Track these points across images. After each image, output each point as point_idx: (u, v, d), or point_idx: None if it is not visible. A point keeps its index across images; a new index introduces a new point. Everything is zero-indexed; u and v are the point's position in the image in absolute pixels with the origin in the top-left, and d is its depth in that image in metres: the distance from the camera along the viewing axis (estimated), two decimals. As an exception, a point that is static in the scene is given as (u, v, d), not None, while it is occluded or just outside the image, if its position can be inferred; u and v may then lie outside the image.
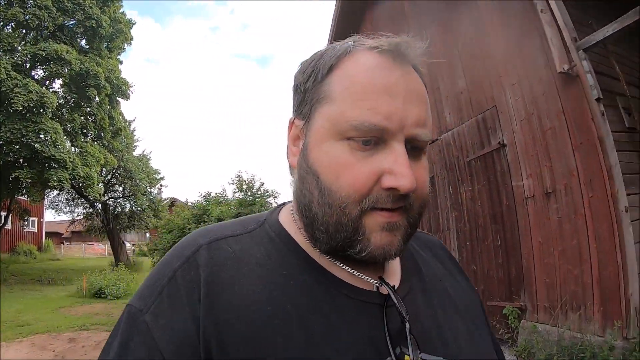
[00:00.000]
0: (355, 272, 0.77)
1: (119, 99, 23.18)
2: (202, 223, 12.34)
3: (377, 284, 0.78)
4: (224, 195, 14.58)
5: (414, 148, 0.72)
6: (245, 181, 14.33)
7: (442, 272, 0.98)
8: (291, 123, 0.82)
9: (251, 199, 13.71)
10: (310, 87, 0.76)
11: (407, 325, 0.72)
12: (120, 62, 23.48)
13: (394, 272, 0.87)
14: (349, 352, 0.68)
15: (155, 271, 0.74)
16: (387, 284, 0.77)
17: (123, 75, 23.01)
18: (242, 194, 14.12)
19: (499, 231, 6.34)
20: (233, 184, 14.45)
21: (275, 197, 14.59)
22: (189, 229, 12.31)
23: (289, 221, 0.83)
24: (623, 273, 4.46)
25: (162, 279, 0.70)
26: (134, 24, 23.93)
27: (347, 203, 0.69)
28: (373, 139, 0.69)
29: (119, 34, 22.35)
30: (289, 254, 0.78)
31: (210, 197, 14.37)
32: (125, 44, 23.67)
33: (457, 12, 7.30)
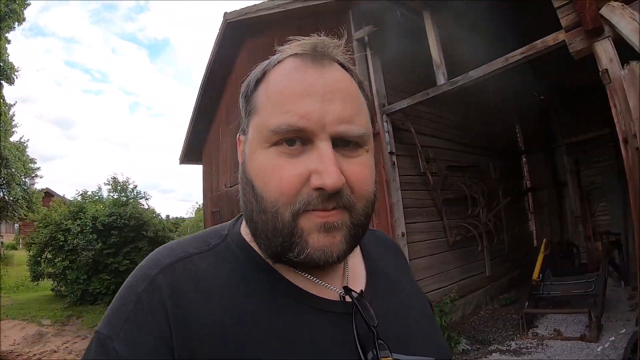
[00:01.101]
0: (319, 281, 0.78)
1: (3, 82, 22.30)
2: (78, 220, 12.79)
3: (342, 294, 0.78)
4: (99, 194, 15.00)
5: (347, 145, 0.71)
6: (120, 182, 14.80)
7: (400, 274, 0.99)
8: (238, 140, 0.84)
9: (125, 199, 14.21)
10: (243, 103, 0.79)
11: (375, 331, 0.73)
12: (8, 42, 22.50)
13: (358, 274, 0.88)
14: None
15: (120, 295, 0.72)
16: (352, 295, 0.78)
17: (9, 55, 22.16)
18: (117, 194, 14.54)
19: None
20: (109, 184, 14.88)
21: (147, 199, 15.28)
22: (66, 224, 12.68)
23: (247, 232, 0.81)
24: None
25: (128, 304, 0.69)
26: (29, 4, 23.04)
27: (277, 207, 0.68)
28: (299, 140, 0.69)
29: (11, 14, 21.20)
30: (253, 269, 0.77)
31: (87, 195, 14.71)
32: (16, 24, 22.75)
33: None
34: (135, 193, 14.92)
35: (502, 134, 10.80)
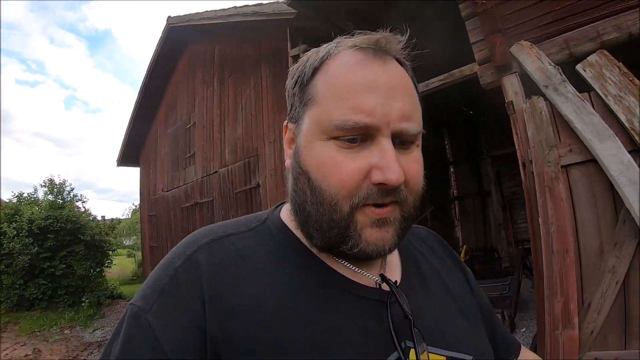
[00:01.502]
0: (357, 269, 0.79)
1: None
2: (13, 222, 12.38)
3: (378, 282, 0.79)
4: (35, 196, 14.55)
5: (403, 142, 0.72)
6: (57, 185, 14.46)
7: (440, 266, 0.99)
8: (285, 127, 0.83)
9: (61, 202, 13.92)
10: (297, 91, 0.78)
11: (412, 320, 0.74)
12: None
13: (395, 267, 0.89)
14: (354, 348, 0.69)
15: (157, 270, 0.74)
16: (389, 281, 0.79)
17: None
18: (53, 196, 14.20)
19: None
20: (45, 186, 14.48)
21: (83, 202, 15.02)
22: (1, 228, 12.23)
23: (289, 219, 0.83)
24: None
25: (163, 278, 0.70)
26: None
27: (337, 200, 0.69)
28: (359, 137, 0.69)
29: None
30: (292, 251, 0.78)
31: (23, 197, 14.29)
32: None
33: (245, 72, 8.97)
34: (72, 196, 14.65)
35: (431, 146, 11.43)
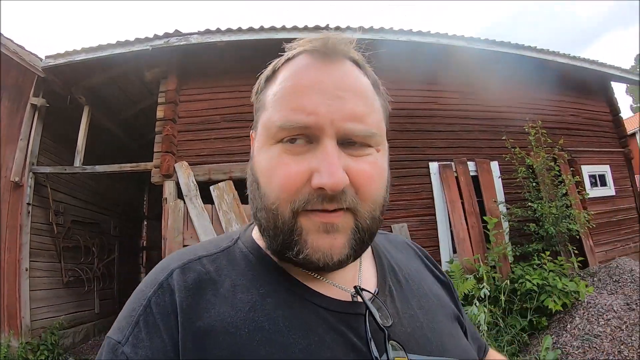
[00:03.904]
0: (331, 282, 0.77)
1: None
2: None
3: (353, 294, 0.77)
4: None
5: (352, 144, 0.69)
6: None
7: (418, 271, 0.99)
8: (251, 136, 0.82)
9: None
10: (254, 101, 0.79)
11: (385, 332, 0.71)
12: None
13: (370, 276, 0.87)
14: None
15: (130, 301, 0.72)
16: (362, 295, 0.76)
17: None
18: None
19: None
20: None
21: None
22: None
23: (260, 236, 0.79)
24: (19, 304, 7.20)
25: (137, 308, 0.68)
26: None
27: (278, 204, 0.67)
28: (303, 138, 0.67)
29: None
30: (264, 270, 0.76)
31: None
32: None
33: None
34: None
35: (131, 201, 12.87)
